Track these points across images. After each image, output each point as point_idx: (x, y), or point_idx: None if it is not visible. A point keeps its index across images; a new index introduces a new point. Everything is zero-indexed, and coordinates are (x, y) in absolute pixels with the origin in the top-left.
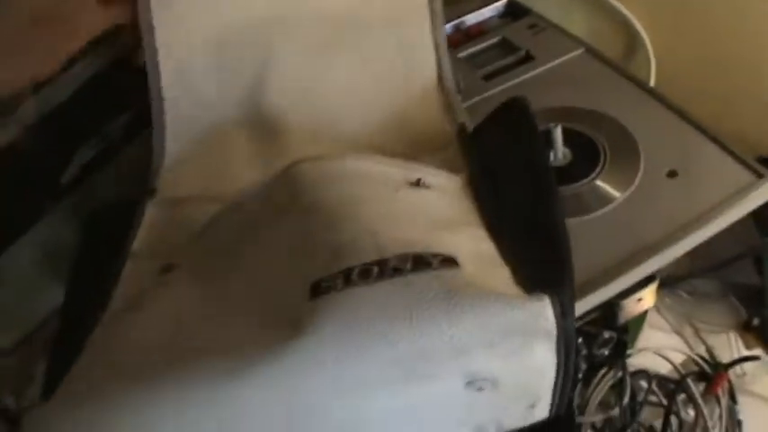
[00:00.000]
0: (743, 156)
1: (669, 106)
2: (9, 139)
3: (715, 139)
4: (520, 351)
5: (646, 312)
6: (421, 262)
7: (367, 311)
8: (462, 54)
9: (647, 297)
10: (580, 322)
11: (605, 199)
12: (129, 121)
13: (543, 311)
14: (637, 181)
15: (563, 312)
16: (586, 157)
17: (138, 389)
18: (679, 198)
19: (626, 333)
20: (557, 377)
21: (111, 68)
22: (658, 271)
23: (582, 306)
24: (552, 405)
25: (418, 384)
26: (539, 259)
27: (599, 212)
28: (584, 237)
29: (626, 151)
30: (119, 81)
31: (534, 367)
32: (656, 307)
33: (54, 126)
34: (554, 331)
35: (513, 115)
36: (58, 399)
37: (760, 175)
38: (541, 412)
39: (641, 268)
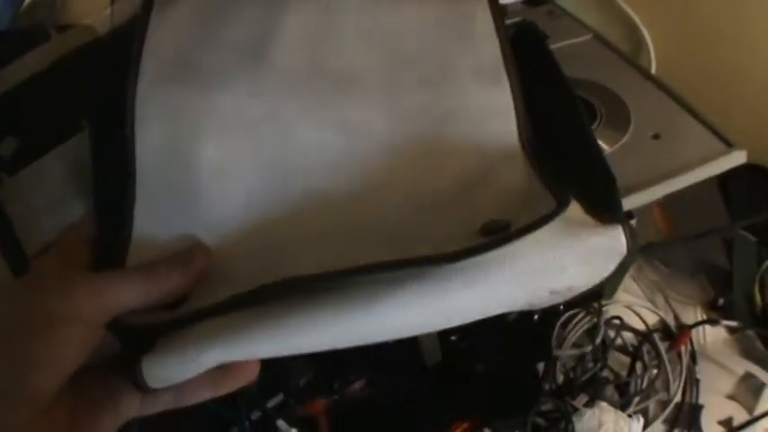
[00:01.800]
0: (719, 129)
1: (661, 86)
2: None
3: (697, 115)
4: (602, 267)
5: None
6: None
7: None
8: None
9: None
10: None
11: None
12: None
13: (619, 237)
14: (625, 139)
15: (631, 235)
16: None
17: None
18: (659, 155)
19: None
20: None
21: None
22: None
23: None
24: None
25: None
26: (594, 186)
27: None
28: None
29: (619, 116)
30: None
31: (602, 278)
32: (633, 276)
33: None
34: (625, 252)
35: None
36: None
37: (729, 145)
38: None
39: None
